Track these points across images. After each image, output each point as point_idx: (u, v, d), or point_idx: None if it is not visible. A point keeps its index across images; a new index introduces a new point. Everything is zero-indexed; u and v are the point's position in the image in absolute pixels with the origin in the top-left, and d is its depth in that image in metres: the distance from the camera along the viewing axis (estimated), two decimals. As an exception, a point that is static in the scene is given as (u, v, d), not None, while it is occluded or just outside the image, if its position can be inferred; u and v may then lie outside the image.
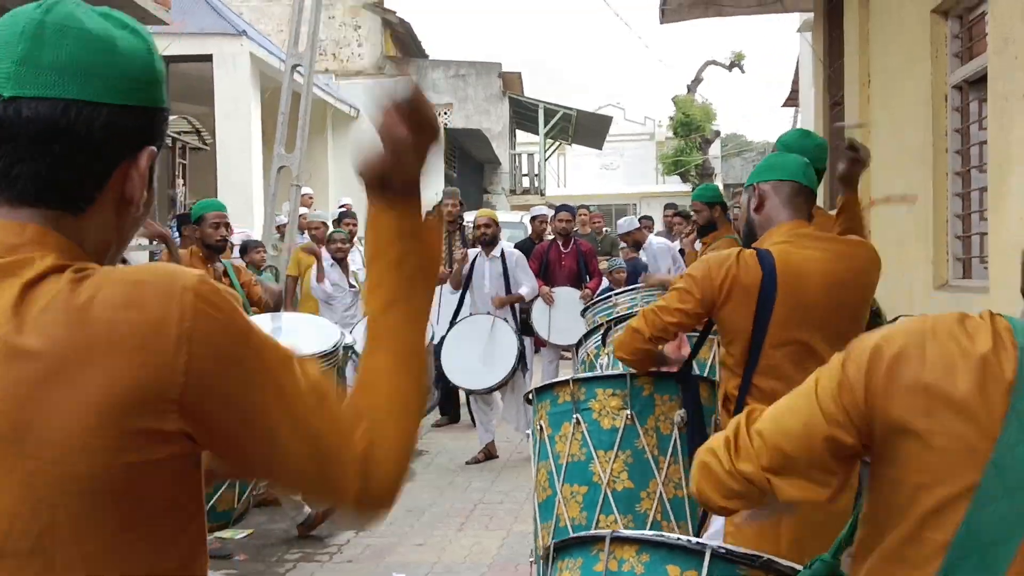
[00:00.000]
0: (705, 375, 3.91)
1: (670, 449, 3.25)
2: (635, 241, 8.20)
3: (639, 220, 10.61)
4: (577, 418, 3.30)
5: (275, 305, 6.12)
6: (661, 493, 3.22)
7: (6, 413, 0.92)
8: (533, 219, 10.17)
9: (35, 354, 0.93)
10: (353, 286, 7.95)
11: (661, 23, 9.39)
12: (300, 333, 6.14)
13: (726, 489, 1.43)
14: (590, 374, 3.71)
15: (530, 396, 3.59)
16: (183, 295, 0.96)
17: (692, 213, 6.35)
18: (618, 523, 3.19)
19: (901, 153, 6.27)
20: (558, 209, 9.33)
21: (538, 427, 3.44)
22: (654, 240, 9.43)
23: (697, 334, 3.84)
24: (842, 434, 1.28)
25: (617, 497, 3.23)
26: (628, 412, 3.25)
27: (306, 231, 9.43)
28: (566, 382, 3.40)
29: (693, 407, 3.25)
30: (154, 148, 1.08)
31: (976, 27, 5.48)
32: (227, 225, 5.49)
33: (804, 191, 2.84)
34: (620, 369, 3.50)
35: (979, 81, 5.30)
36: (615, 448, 3.24)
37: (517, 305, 7.81)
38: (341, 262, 8.07)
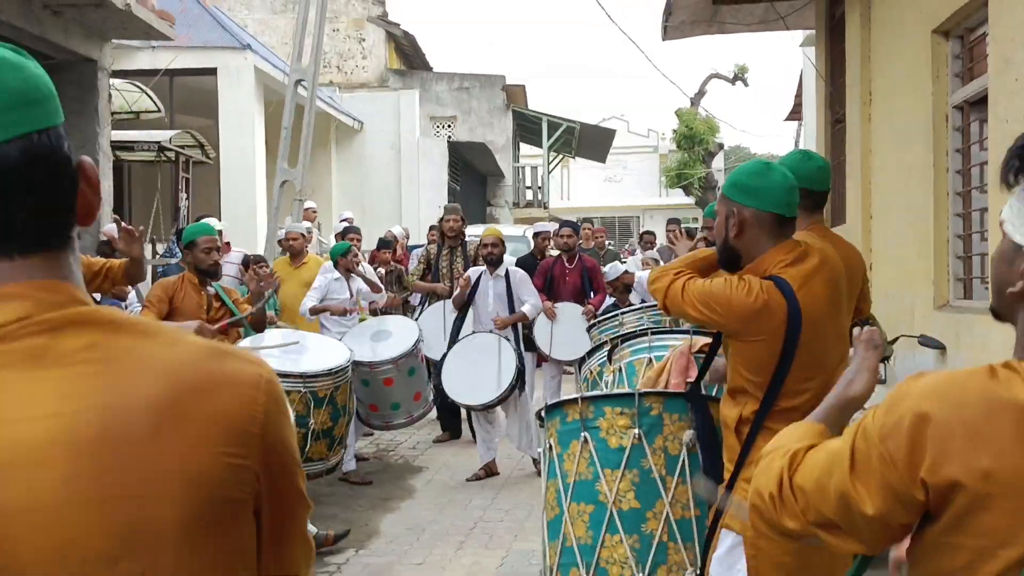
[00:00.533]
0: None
1: (678, 469, 3.23)
2: (624, 285, 8.19)
3: (641, 236, 10.61)
4: (585, 436, 3.29)
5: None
6: (668, 514, 3.21)
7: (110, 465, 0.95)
8: (536, 236, 10.17)
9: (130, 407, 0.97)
10: (353, 298, 7.94)
11: (663, 40, 9.42)
12: (318, 350, 6.23)
13: (779, 534, 1.46)
14: (599, 392, 3.72)
15: (541, 414, 3.58)
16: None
17: (702, 229, 6.33)
18: (623, 543, 3.18)
19: (903, 172, 6.28)
20: (561, 225, 9.34)
21: (548, 445, 3.44)
22: (642, 275, 9.33)
23: (703, 356, 3.86)
24: (876, 509, 1.27)
25: (623, 516, 3.22)
26: (636, 431, 3.24)
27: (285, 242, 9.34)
28: (575, 400, 3.38)
29: (705, 428, 3.21)
30: (89, 159, 1.09)
31: (977, 48, 5.49)
32: (218, 248, 5.49)
33: (787, 221, 2.74)
34: (627, 388, 3.51)
35: (980, 102, 5.30)
36: (622, 467, 3.23)
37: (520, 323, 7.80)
38: (347, 273, 8.06)
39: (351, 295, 7.88)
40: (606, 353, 5.16)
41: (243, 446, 1.02)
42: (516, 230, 16.88)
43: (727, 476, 2.78)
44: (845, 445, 1.33)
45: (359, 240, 9.11)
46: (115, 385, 0.97)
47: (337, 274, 7.90)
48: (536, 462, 7.35)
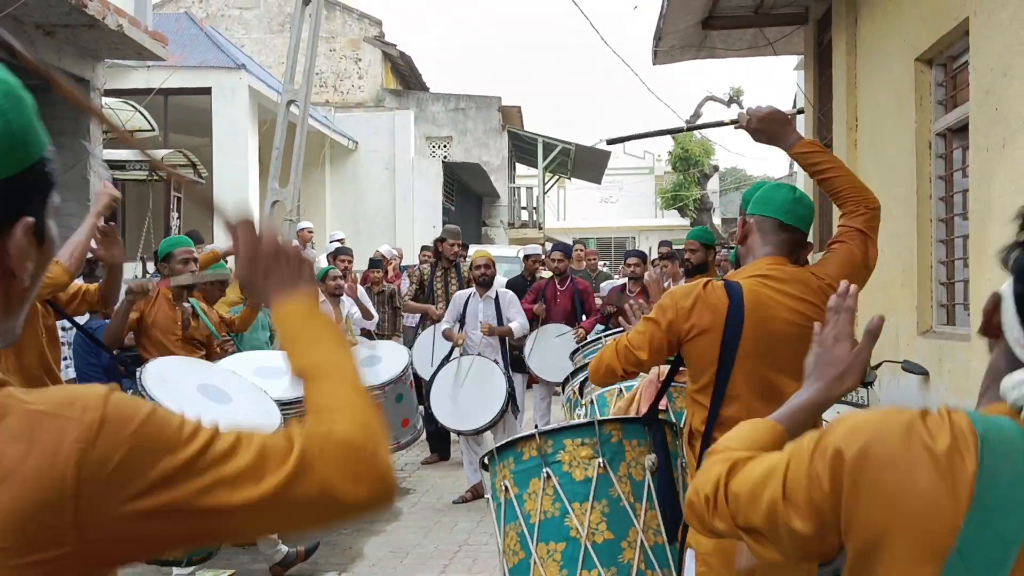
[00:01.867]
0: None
1: (645, 495, 3.17)
2: (618, 308, 8.30)
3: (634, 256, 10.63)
4: (547, 472, 3.17)
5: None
6: (642, 541, 3.13)
7: None
8: (527, 258, 10.19)
9: None
10: (342, 323, 7.93)
11: (654, 64, 9.47)
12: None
13: (709, 532, 1.52)
14: (555, 425, 3.53)
15: (485, 460, 3.42)
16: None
17: (686, 252, 6.33)
18: None
19: (887, 198, 6.27)
20: (553, 248, 9.36)
21: (501, 488, 3.28)
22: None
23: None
24: (805, 527, 1.29)
25: (598, 550, 3.11)
26: (600, 460, 3.14)
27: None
28: (531, 436, 3.25)
29: (662, 451, 3.20)
30: (30, 220, 1.03)
31: (960, 76, 5.53)
32: (195, 260, 5.47)
33: (788, 228, 2.83)
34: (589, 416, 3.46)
35: (962, 129, 5.34)
36: (590, 499, 3.12)
37: (508, 343, 7.80)
38: (334, 298, 8.05)
39: (339, 319, 7.88)
40: (578, 386, 5.18)
41: (48, 537, 0.91)
42: (511, 251, 16.91)
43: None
44: (782, 461, 1.36)
45: (350, 261, 9.09)
46: None
47: (322, 298, 7.90)
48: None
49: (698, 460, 2.73)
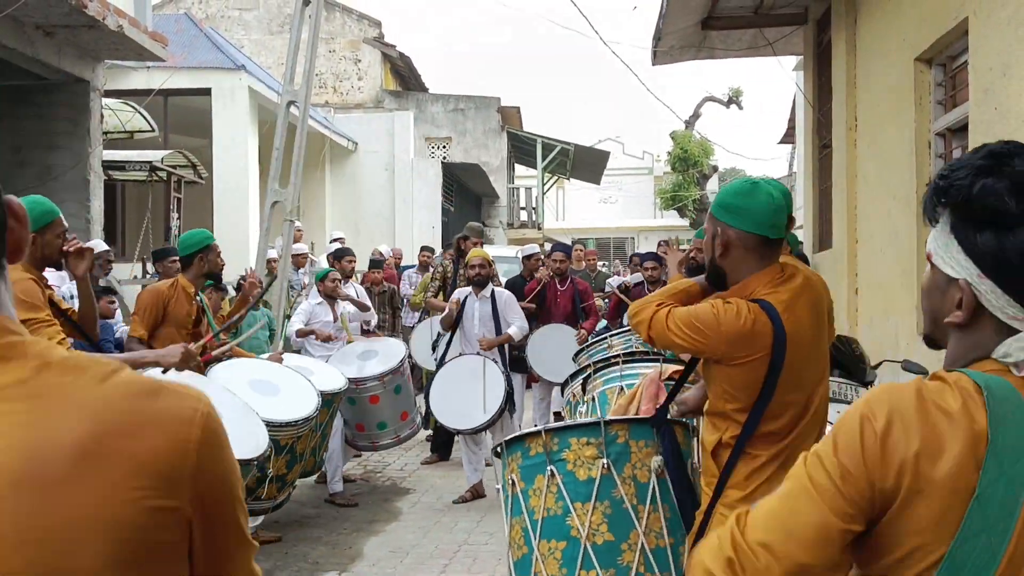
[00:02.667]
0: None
1: (649, 497, 3.13)
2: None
3: (630, 258, 10.64)
4: (552, 470, 3.15)
5: None
6: (643, 544, 3.10)
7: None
8: (526, 258, 10.19)
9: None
10: (337, 321, 7.94)
11: (653, 65, 9.49)
12: (291, 396, 6.13)
13: None
14: (562, 423, 3.50)
15: (498, 450, 3.44)
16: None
17: (693, 251, 6.29)
18: None
19: (887, 198, 6.31)
20: (553, 249, 9.36)
21: (509, 481, 3.29)
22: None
23: (673, 383, 3.86)
24: (855, 526, 1.28)
25: (597, 551, 3.09)
26: (604, 461, 3.11)
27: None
28: (538, 432, 3.24)
29: (672, 452, 3.13)
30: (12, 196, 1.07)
31: (959, 76, 5.54)
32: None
33: (772, 243, 2.69)
34: (595, 417, 3.44)
35: (962, 129, 5.35)
36: (592, 499, 3.10)
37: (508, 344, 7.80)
38: (330, 299, 8.06)
39: (335, 319, 7.88)
40: (581, 383, 5.17)
41: (172, 488, 0.99)
42: (510, 251, 16.90)
43: (704, 501, 2.76)
44: (799, 481, 1.31)
45: (353, 261, 9.06)
46: (39, 424, 0.95)
47: (320, 299, 7.91)
48: (523, 485, 7.36)
49: (721, 470, 2.68)
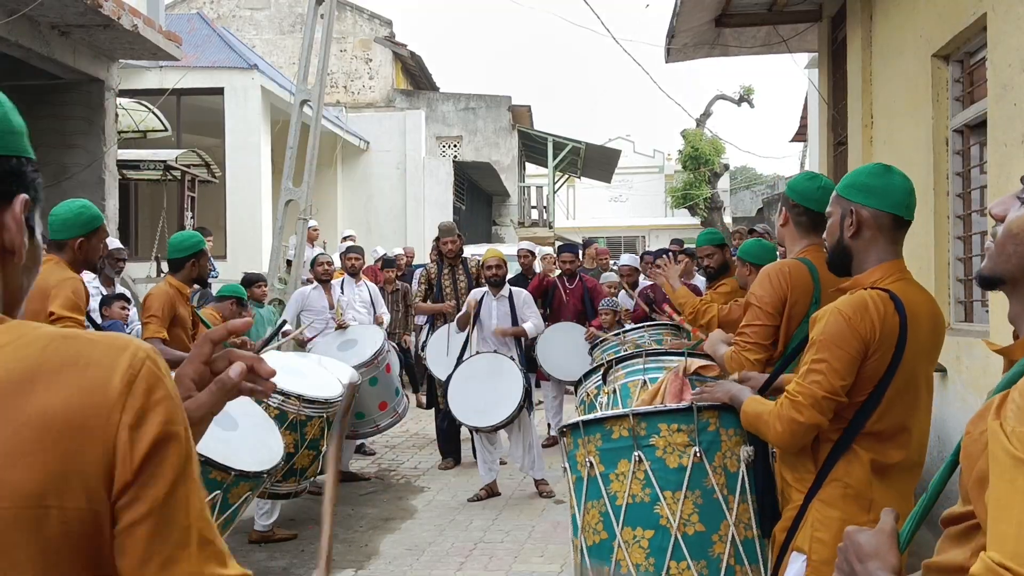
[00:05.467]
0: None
1: (738, 487, 3.05)
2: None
3: (642, 256, 10.62)
4: (639, 455, 3.05)
5: None
6: (733, 535, 3.02)
7: None
8: (517, 254, 10.21)
9: None
10: (332, 309, 7.99)
11: (666, 62, 9.46)
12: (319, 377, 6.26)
13: None
14: (652, 408, 3.30)
15: (565, 429, 3.30)
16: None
17: (703, 259, 6.23)
18: (691, 569, 2.98)
19: (903, 195, 6.28)
20: (561, 249, 9.38)
21: (584, 463, 3.18)
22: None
23: (699, 377, 3.85)
24: None
25: (688, 541, 3.00)
26: (696, 449, 3.02)
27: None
28: (624, 416, 3.13)
29: (759, 443, 3.03)
30: (27, 196, 1.05)
31: (977, 72, 5.51)
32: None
33: (904, 225, 2.57)
34: (622, 410, 3.37)
35: (980, 125, 5.32)
36: (683, 488, 3.01)
37: (523, 341, 7.81)
38: (324, 284, 8.11)
39: (331, 305, 7.97)
40: (602, 374, 5.13)
41: (82, 449, 0.88)
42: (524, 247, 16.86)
43: (793, 494, 2.68)
44: (1011, 484, 1.09)
45: (357, 259, 9.07)
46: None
47: (315, 284, 8.03)
48: (538, 483, 7.35)
49: (820, 466, 2.60)
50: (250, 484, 4.24)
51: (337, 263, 9.54)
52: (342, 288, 8.41)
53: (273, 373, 1.20)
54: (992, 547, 1.07)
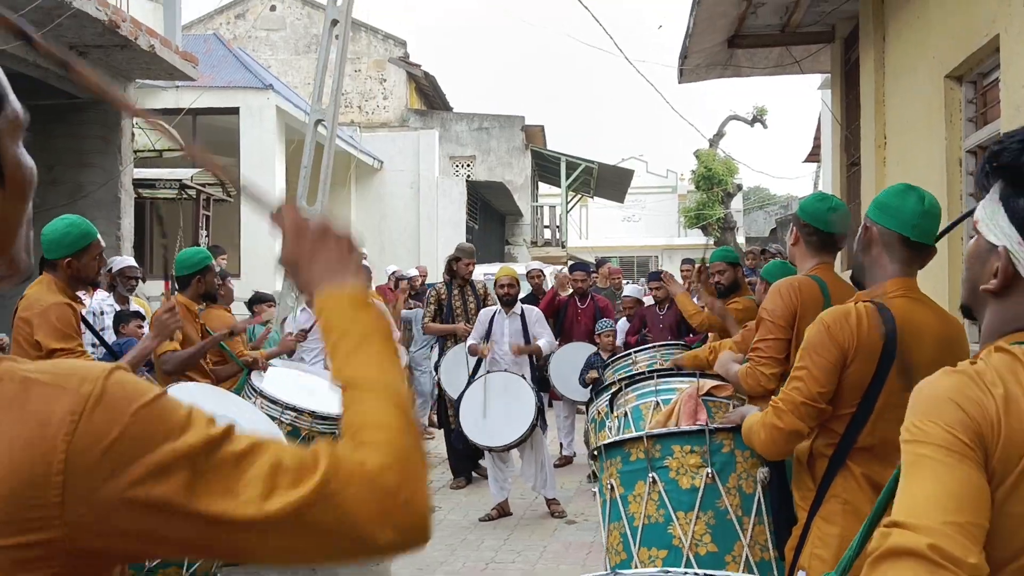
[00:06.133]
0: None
1: (754, 509, 3.07)
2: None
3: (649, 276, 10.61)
4: (653, 477, 3.10)
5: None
6: (748, 556, 3.03)
7: None
8: (528, 275, 10.24)
9: None
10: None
11: (679, 83, 9.50)
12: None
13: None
14: (666, 429, 3.35)
15: (595, 452, 3.38)
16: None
17: (714, 275, 6.23)
18: None
19: (917, 216, 6.27)
20: (573, 267, 9.40)
21: (607, 485, 3.25)
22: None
23: (712, 398, 3.84)
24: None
25: (700, 561, 3.03)
26: (708, 470, 3.06)
27: None
28: (639, 438, 3.19)
29: (776, 465, 3.04)
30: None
31: (990, 93, 5.50)
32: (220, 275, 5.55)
33: (914, 245, 2.57)
34: (634, 432, 3.38)
35: (993, 146, 5.31)
36: (695, 509, 3.05)
37: (535, 361, 7.81)
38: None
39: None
40: (609, 398, 5.12)
41: (31, 517, 0.81)
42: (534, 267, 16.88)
43: (800, 513, 2.67)
44: (922, 457, 1.26)
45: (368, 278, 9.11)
46: None
47: (303, 305, 8.05)
48: (550, 502, 7.33)
49: (818, 484, 2.60)
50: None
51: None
52: None
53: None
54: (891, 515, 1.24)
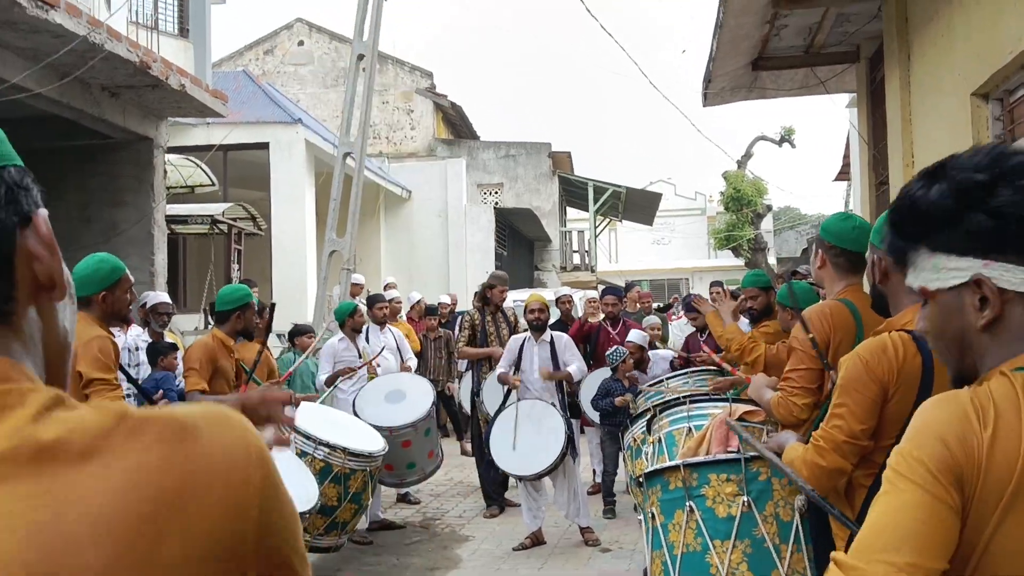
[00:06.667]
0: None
1: (792, 537, 3.07)
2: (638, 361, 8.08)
3: (684, 299, 10.55)
4: (690, 506, 3.12)
5: None
6: None
7: None
8: (557, 301, 10.24)
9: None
10: (360, 358, 8.07)
11: (704, 106, 9.50)
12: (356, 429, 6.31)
13: None
14: (702, 459, 3.37)
15: (640, 480, 3.43)
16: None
17: (747, 301, 6.18)
18: None
19: (947, 234, 6.21)
20: (604, 292, 9.38)
21: (650, 514, 3.29)
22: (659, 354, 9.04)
23: (744, 423, 3.81)
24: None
25: None
26: (745, 499, 3.07)
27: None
28: (677, 467, 3.21)
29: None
30: (44, 210, 0.85)
31: (1017, 110, 5.46)
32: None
33: None
34: (668, 459, 3.38)
35: (1022, 163, 5.25)
36: (732, 537, 3.07)
37: (564, 387, 7.79)
38: (353, 334, 8.17)
39: (359, 354, 8.03)
40: (647, 422, 5.09)
41: (234, 556, 0.74)
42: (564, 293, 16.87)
43: (838, 543, 2.64)
44: (896, 488, 1.27)
45: (385, 308, 9.06)
46: (55, 502, 0.70)
47: (341, 335, 8.08)
48: (584, 531, 7.28)
49: (857, 513, 2.56)
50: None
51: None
52: (367, 337, 8.48)
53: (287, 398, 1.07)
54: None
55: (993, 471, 1.22)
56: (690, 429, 4.28)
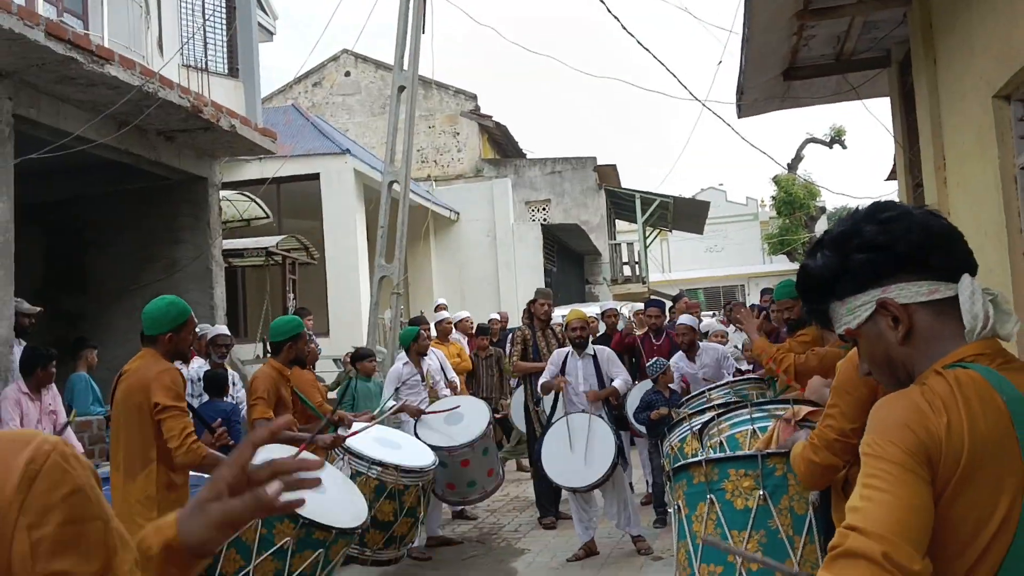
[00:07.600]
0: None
1: (805, 529, 3.28)
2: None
3: (729, 306, 10.64)
4: (711, 498, 3.37)
5: None
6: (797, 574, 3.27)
7: None
8: (603, 314, 10.39)
9: None
10: (424, 380, 8.33)
11: (739, 117, 9.62)
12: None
13: None
14: (722, 454, 3.65)
15: (669, 474, 3.71)
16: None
17: (783, 313, 6.26)
18: None
19: (979, 234, 6.28)
20: (647, 304, 9.52)
21: (676, 507, 3.56)
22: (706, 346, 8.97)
23: (807, 423, 3.94)
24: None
25: None
26: (761, 492, 3.30)
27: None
28: (699, 463, 3.47)
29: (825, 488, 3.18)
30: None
31: (1039, 110, 5.54)
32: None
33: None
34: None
35: (1047, 162, 5.34)
36: (748, 528, 3.30)
37: (611, 400, 7.95)
38: (418, 357, 8.42)
39: (423, 377, 8.28)
40: (687, 429, 5.22)
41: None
42: (613, 306, 16.95)
43: None
44: (881, 471, 1.42)
45: (427, 329, 9.26)
46: None
47: (406, 359, 8.33)
48: (636, 540, 7.43)
49: None
50: (347, 540, 4.57)
51: (433, 332, 9.93)
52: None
53: (320, 465, 1.15)
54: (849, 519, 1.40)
55: (950, 452, 1.42)
56: (754, 431, 4.40)
